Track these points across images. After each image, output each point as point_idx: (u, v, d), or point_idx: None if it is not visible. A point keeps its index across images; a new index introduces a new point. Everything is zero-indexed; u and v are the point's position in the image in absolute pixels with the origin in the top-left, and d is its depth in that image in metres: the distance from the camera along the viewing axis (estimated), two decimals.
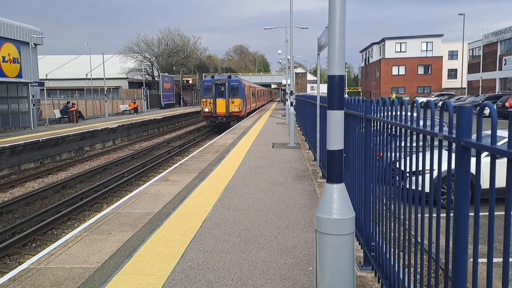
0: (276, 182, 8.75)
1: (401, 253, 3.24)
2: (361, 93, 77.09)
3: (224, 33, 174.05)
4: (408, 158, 3.01)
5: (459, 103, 35.26)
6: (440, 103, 2.89)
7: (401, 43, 63.28)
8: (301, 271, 4.45)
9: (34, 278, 4.27)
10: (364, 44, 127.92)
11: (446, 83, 65.04)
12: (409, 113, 2.89)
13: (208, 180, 8.99)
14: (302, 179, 9.12)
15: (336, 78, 2.58)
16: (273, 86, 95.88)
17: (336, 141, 2.60)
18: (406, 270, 3.13)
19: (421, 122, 2.67)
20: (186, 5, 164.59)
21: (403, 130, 3.08)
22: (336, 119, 2.60)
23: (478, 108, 2.01)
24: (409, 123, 2.81)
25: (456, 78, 66.01)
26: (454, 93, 54.73)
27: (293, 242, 5.29)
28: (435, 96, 49.30)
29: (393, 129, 3.34)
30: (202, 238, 5.43)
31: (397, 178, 3.18)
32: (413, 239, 2.95)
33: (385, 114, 3.56)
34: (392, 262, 3.47)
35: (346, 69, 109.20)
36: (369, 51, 72.70)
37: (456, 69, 66.40)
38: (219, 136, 18.52)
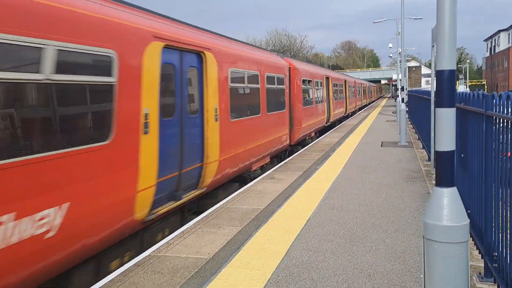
0: (385, 183, 8.37)
1: None
2: (486, 86, 69.32)
3: (330, 30, 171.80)
4: None
5: None
6: None
7: None
8: (411, 277, 4.20)
9: (155, 264, 4.75)
10: (488, 32, 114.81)
11: None
12: None
13: (312, 179, 8.98)
14: (413, 180, 8.57)
15: (446, 73, 2.37)
16: (383, 81, 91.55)
17: (446, 141, 2.39)
18: None
19: None
20: (293, 5, 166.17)
21: None
22: (446, 117, 2.39)
23: None
24: None
25: None
26: None
27: (403, 247, 5.01)
28: None
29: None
30: (306, 237, 5.46)
31: None
32: None
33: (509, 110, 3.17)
34: None
35: (468, 60, 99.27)
36: (495, 40, 65.03)
37: None
38: (325, 135, 18.34)
